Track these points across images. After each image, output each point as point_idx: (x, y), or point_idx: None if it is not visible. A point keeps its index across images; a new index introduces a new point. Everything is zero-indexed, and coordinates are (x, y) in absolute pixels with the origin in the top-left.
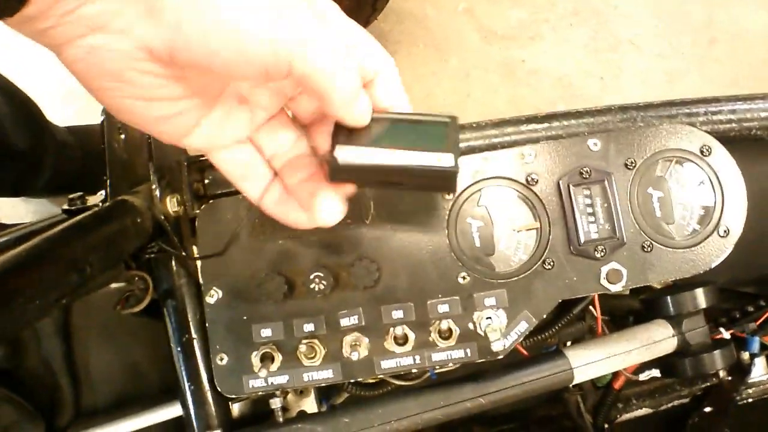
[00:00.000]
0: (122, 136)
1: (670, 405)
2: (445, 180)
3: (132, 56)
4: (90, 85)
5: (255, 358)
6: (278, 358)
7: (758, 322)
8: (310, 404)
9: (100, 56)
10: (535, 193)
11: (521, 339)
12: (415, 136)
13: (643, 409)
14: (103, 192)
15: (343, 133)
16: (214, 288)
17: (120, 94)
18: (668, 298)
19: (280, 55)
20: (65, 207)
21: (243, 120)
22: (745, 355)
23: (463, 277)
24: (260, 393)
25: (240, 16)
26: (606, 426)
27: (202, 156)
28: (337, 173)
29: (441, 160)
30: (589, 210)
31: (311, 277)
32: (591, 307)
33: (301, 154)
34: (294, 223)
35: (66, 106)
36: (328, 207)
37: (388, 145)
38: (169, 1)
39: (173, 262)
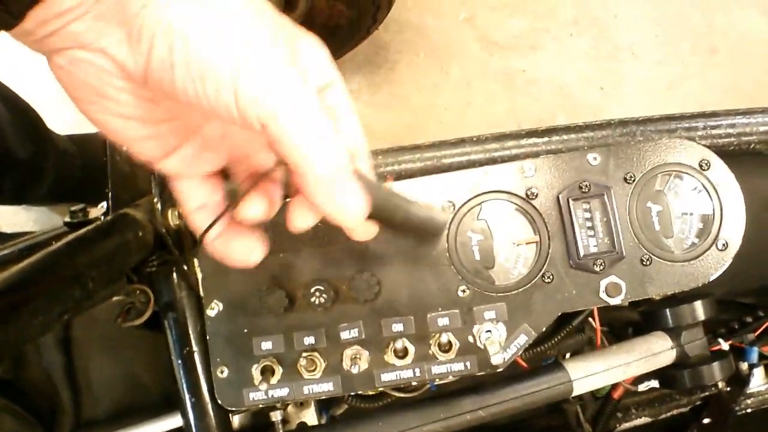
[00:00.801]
0: (124, 148)
1: (669, 414)
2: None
3: (110, 73)
4: (73, 95)
5: (255, 371)
6: (278, 370)
7: (757, 333)
8: (310, 416)
9: (82, 69)
10: (535, 207)
11: (521, 352)
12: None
13: (642, 418)
14: (104, 204)
15: None
16: (215, 301)
17: (97, 108)
18: (667, 310)
19: (249, 114)
20: (67, 219)
21: (218, 157)
22: (744, 366)
23: (463, 291)
24: (260, 405)
25: (210, 59)
26: None
27: None
28: None
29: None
30: (589, 224)
31: (312, 290)
32: (590, 319)
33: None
34: (236, 260)
35: (66, 114)
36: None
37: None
38: (147, 31)
39: (174, 275)
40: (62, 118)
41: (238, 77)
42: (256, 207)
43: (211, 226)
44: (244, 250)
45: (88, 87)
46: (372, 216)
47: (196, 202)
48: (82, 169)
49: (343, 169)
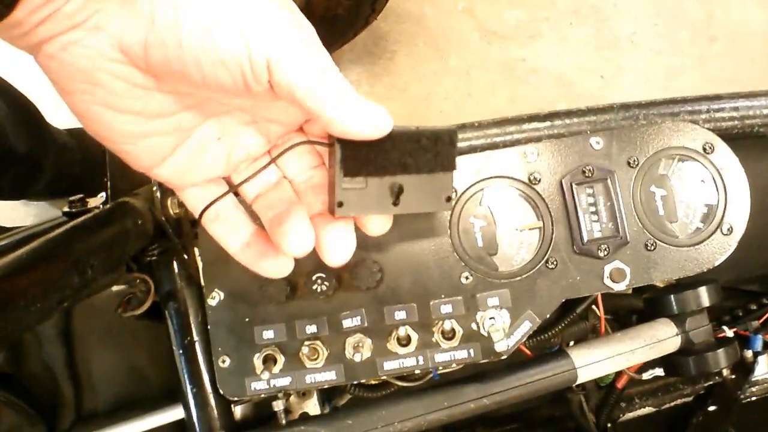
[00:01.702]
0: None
1: (673, 404)
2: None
3: (105, 55)
4: (62, 87)
5: (257, 361)
6: (281, 360)
7: (761, 320)
8: (312, 406)
9: (74, 53)
10: (538, 192)
11: (524, 339)
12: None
13: (647, 408)
14: (103, 194)
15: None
16: (216, 290)
17: (90, 99)
18: (671, 296)
19: (256, 55)
20: (66, 209)
21: (220, 157)
22: (749, 353)
23: (466, 277)
24: (263, 395)
25: (213, 10)
26: (609, 425)
27: None
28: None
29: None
30: (592, 209)
31: (313, 278)
32: (594, 307)
33: (283, 196)
34: (265, 271)
35: (65, 107)
36: (301, 236)
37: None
38: (157, 28)
39: (174, 264)
40: (61, 113)
41: (248, 40)
42: (304, 238)
43: (206, 207)
44: (278, 268)
45: (79, 74)
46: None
47: (209, 212)
48: (82, 164)
49: (355, 96)
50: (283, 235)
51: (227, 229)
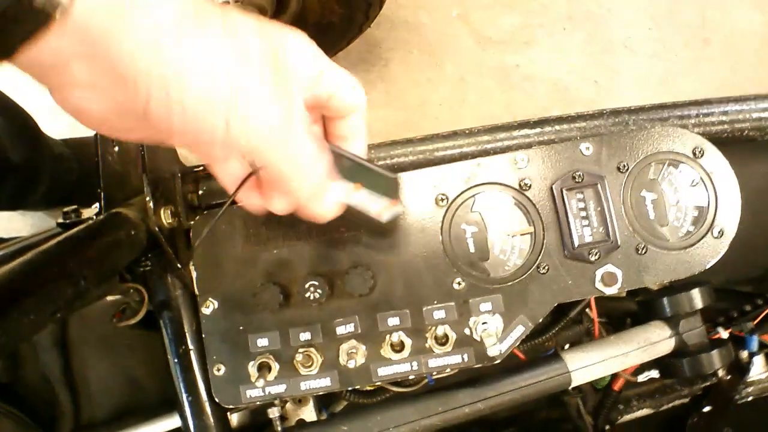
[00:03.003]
0: (116, 149)
1: (670, 405)
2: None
3: (108, 109)
4: (83, 123)
5: (252, 368)
6: (275, 367)
7: (756, 321)
8: (308, 413)
9: (85, 103)
10: (529, 198)
11: (518, 343)
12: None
13: (644, 409)
14: (97, 204)
15: None
16: (210, 299)
17: (108, 130)
18: (665, 299)
19: (240, 149)
20: (60, 220)
21: None
22: (744, 354)
23: (459, 283)
24: (258, 403)
25: (203, 105)
26: (607, 427)
27: (196, 167)
28: None
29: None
30: (583, 214)
31: (306, 285)
32: (588, 310)
33: None
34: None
35: (61, 118)
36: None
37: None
38: (142, 80)
39: (168, 274)
40: (58, 123)
41: (230, 119)
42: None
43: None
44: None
45: (90, 119)
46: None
47: (233, 178)
48: (78, 174)
49: (319, 188)
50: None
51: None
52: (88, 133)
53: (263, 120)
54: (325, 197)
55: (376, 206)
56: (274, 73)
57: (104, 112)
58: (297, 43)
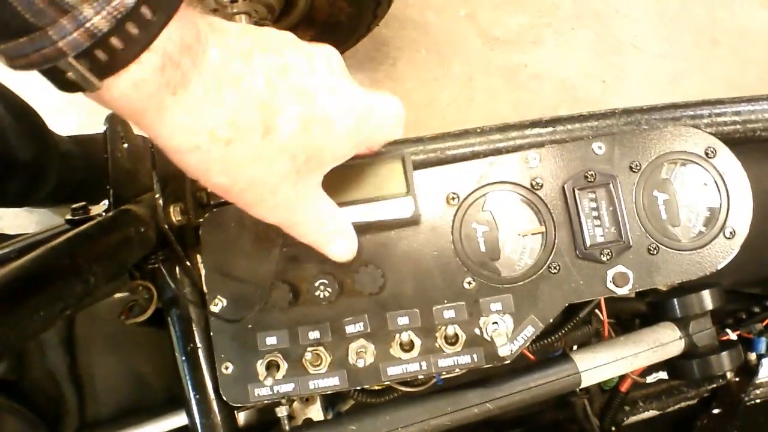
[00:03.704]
0: (125, 146)
1: (677, 407)
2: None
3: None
4: None
5: (260, 367)
6: (284, 366)
7: (765, 323)
8: (316, 412)
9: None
10: (540, 198)
11: (528, 344)
12: (376, 179)
13: (651, 411)
14: (106, 201)
15: None
16: (219, 297)
17: None
18: (675, 300)
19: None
20: (68, 217)
21: None
22: (752, 356)
23: (469, 283)
24: (266, 401)
25: (206, 180)
26: (613, 429)
27: None
28: None
29: (403, 208)
30: (595, 213)
31: (316, 284)
32: (597, 311)
33: None
34: None
35: (68, 115)
36: None
37: (352, 199)
38: (174, 148)
39: (177, 271)
40: (65, 121)
41: (245, 208)
42: None
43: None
44: None
45: None
46: None
47: None
48: (86, 171)
49: (337, 245)
50: None
51: None
52: (95, 130)
53: (270, 214)
54: (339, 240)
55: (391, 211)
56: (290, 185)
57: None
58: (337, 136)
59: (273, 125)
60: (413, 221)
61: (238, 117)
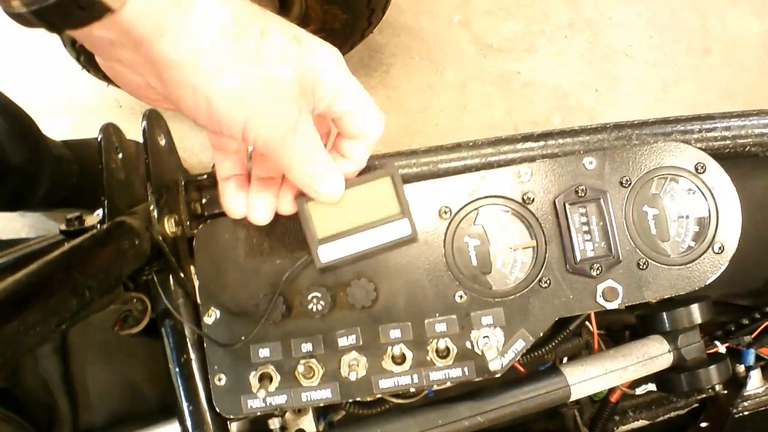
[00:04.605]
0: (119, 156)
1: (666, 417)
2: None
3: (143, 85)
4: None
5: (253, 379)
6: (276, 378)
7: (753, 335)
8: (308, 423)
9: (123, 74)
10: (531, 212)
11: (518, 357)
12: (369, 203)
13: (640, 421)
14: (100, 211)
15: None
16: (212, 308)
17: (141, 97)
18: (664, 314)
19: (255, 146)
20: (63, 228)
21: None
22: (741, 368)
23: (460, 296)
24: (259, 413)
25: (227, 115)
26: None
27: (200, 175)
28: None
29: (400, 229)
30: (585, 228)
31: (309, 297)
32: (587, 323)
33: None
34: (227, 209)
35: (61, 119)
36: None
37: (347, 229)
38: (177, 87)
39: (171, 283)
40: (58, 125)
41: (246, 128)
42: (261, 208)
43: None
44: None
45: (125, 86)
46: None
47: (225, 173)
48: (78, 175)
49: (321, 175)
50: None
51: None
52: (88, 134)
53: (272, 131)
54: (326, 180)
55: (389, 235)
56: (291, 95)
57: (140, 86)
58: (325, 64)
59: (267, 31)
60: (412, 240)
61: (241, 17)
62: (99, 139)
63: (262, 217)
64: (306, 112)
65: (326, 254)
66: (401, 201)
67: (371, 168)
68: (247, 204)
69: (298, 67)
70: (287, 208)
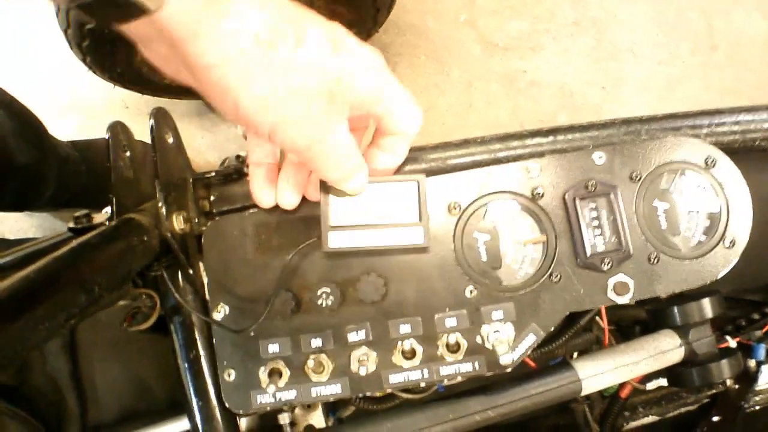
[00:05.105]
0: (127, 154)
1: (677, 413)
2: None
3: (178, 76)
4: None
5: (263, 374)
6: (286, 373)
7: (764, 330)
8: (317, 418)
9: (159, 63)
10: (541, 207)
11: (529, 352)
12: (389, 203)
13: (650, 417)
14: (108, 209)
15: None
16: (221, 304)
17: (174, 80)
18: (675, 308)
19: (283, 147)
20: (71, 225)
21: None
22: (752, 363)
23: (470, 291)
24: (268, 408)
25: (254, 116)
26: None
27: (208, 172)
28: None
29: (413, 236)
30: (595, 223)
31: (318, 292)
32: (598, 318)
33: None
34: (256, 198)
35: (68, 120)
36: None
37: (365, 222)
38: (207, 85)
39: (180, 279)
40: (65, 126)
41: (274, 132)
42: (290, 193)
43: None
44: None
45: (165, 73)
46: None
47: (257, 159)
48: (85, 176)
49: (349, 178)
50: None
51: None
52: (94, 134)
53: (300, 138)
54: (353, 181)
55: (401, 239)
56: (322, 102)
57: (174, 74)
58: (361, 68)
59: (303, 38)
60: (423, 249)
61: (277, 23)
62: (107, 137)
63: (289, 201)
64: (337, 120)
65: (335, 240)
66: (421, 209)
67: (404, 165)
68: (277, 188)
69: (331, 78)
70: (315, 194)
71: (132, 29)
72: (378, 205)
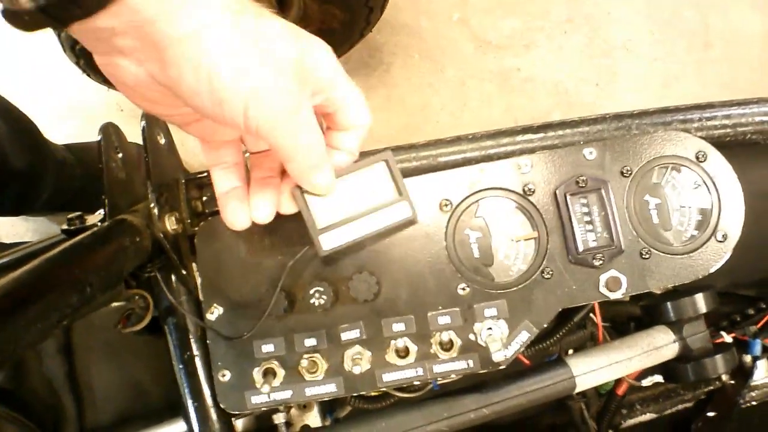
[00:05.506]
0: (119, 155)
1: (674, 409)
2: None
3: (144, 80)
4: (113, 82)
5: (257, 374)
6: (280, 373)
7: (759, 325)
8: (313, 418)
9: (121, 71)
10: (533, 203)
11: (522, 349)
12: (366, 189)
13: (647, 414)
14: (101, 211)
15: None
16: (215, 304)
17: (131, 95)
18: (668, 304)
19: (254, 131)
20: (64, 227)
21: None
22: (747, 358)
23: (463, 289)
24: (263, 408)
25: (228, 91)
26: None
27: (200, 173)
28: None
29: (400, 212)
30: (587, 218)
31: (311, 291)
32: (592, 315)
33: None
34: (230, 222)
35: (64, 124)
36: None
37: (348, 217)
38: (177, 63)
39: (173, 280)
40: (59, 130)
41: (248, 106)
42: (264, 206)
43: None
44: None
45: (124, 84)
46: None
47: (224, 187)
48: (81, 179)
49: (317, 165)
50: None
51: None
52: (90, 138)
53: (275, 110)
54: (323, 172)
55: (389, 218)
56: (291, 74)
57: (138, 81)
58: (320, 52)
59: (262, 13)
60: (412, 221)
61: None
62: (99, 139)
63: (263, 215)
64: (306, 97)
65: (328, 242)
66: (398, 184)
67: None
68: (249, 204)
69: (295, 55)
70: (288, 207)
71: (97, 25)
72: (356, 195)
